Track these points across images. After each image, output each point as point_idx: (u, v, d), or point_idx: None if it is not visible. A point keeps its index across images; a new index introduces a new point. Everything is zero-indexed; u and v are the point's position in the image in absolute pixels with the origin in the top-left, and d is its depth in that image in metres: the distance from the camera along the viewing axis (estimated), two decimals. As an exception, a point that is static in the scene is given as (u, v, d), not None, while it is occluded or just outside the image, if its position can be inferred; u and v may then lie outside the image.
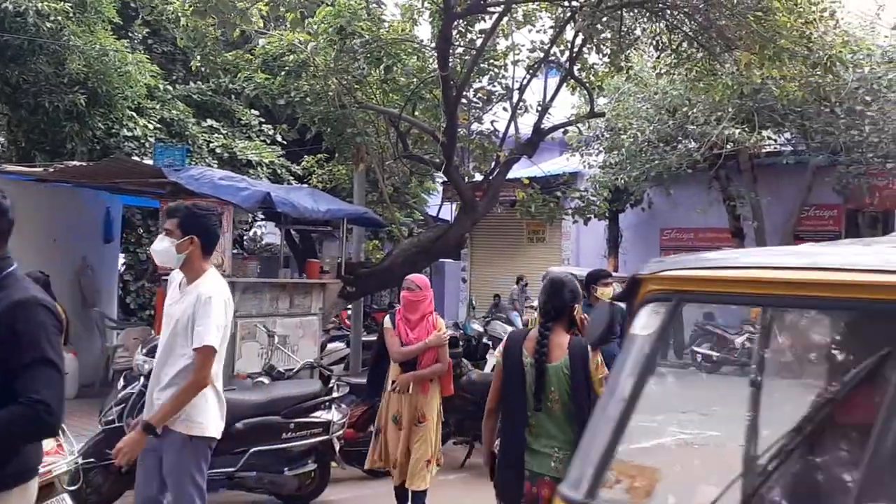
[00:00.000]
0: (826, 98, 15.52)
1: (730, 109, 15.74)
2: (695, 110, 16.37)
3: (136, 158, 11.73)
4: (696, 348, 17.02)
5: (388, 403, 6.51)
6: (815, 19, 10.04)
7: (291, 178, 14.94)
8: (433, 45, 11.59)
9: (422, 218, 15.08)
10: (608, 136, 18.30)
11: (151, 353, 5.89)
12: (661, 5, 10.60)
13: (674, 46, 11.62)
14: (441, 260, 22.06)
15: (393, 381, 6.47)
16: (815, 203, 18.39)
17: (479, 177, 13.03)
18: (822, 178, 17.27)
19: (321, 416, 7.09)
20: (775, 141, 18.09)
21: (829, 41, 13.96)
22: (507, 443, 4.22)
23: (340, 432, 7.25)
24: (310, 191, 11.84)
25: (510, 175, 13.24)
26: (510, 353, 4.35)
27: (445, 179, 13.17)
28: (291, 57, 11.32)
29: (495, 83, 12.85)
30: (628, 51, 12.64)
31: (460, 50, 12.15)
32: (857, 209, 18.55)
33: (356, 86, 11.96)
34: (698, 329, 17.33)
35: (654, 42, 12.23)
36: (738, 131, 15.87)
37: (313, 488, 7.23)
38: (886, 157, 15.45)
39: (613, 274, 17.88)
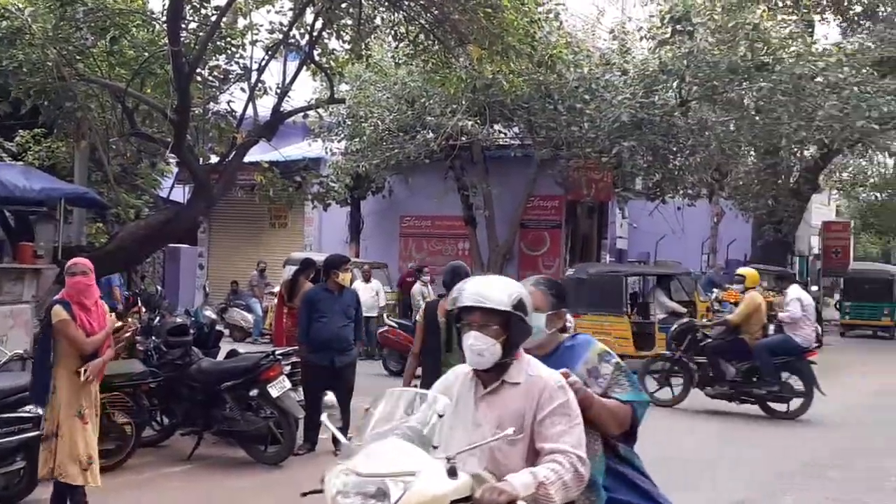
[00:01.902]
0: (550, 95, 16.60)
1: (463, 102, 16.39)
2: (432, 102, 16.88)
3: None
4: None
5: (67, 400, 6.04)
6: (539, 19, 10.66)
7: (4, 154, 13.64)
8: (164, 17, 11.01)
9: (152, 201, 14.35)
10: (350, 123, 18.40)
11: None
12: (399, -5, 10.79)
13: (411, 37, 11.89)
14: (177, 245, 21.17)
15: (80, 372, 6.06)
16: (539, 194, 19.63)
17: (215, 159, 12.58)
18: (546, 171, 18.46)
19: (31, 410, 6.52)
20: (505, 134, 19.10)
21: (553, 41, 14.96)
22: (429, 373, 5.82)
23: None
24: (23, 168, 10.87)
25: (250, 158, 12.95)
26: (429, 315, 6.25)
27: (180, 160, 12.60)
28: (4, 23, 10.32)
29: (232, 62, 12.45)
30: (368, 39, 12.78)
31: (194, 25, 11.63)
32: (576, 200, 20.03)
33: (78, 57, 11.09)
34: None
35: (393, 32, 12.45)
36: (471, 124, 16.56)
37: (21, 488, 6.64)
38: (602, 153, 16.76)
39: (354, 260, 18.14)
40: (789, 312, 10.98)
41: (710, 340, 11.23)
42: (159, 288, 17.16)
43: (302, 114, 13.49)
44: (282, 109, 12.04)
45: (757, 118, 16.89)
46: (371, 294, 16.11)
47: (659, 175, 18.57)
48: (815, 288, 32.20)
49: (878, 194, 39.51)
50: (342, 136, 18.75)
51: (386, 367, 14.36)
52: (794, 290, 11.40)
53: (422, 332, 6.40)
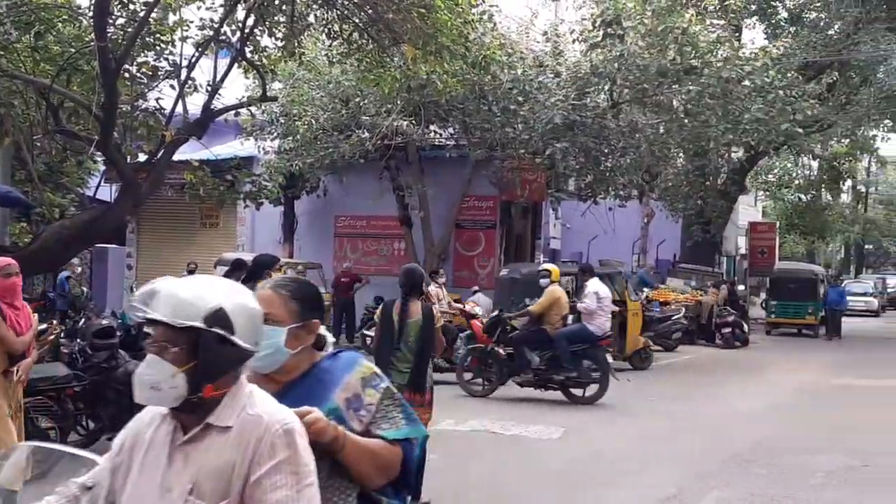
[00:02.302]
0: (484, 96, 16.69)
1: (398, 102, 16.36)
2: (366, 101, 16.81)
3: None
4: (366, 331, 17.52)
5: None
6: (473, 20, 10.70)
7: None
8: (91, 12, 10.74)
9: (78, 199, 14.00)
10: (283, 121, 18.21)
11: None
12: (332, -7, 10.73)
13: (345, 36, 11.84)
14: (104, 245, 20.67)
15: (11, 372, 5.91)
16: (474, 194, 19.71)
17: (143, 157, 12.33)
18: (481, 171, 18.55)
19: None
20: (440, 135, 19.12)
21: (487, 42, 15.05)
22: (382, 367, 5.77)
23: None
24: (-60, 166, 10.48)
25: (180, 157, 12.73)
26: (385, 314, 6.65)
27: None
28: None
29: (161, 59, 12.23)
30: (301, 36, 12.68)
31: (122, 21, 11.39)
32: (510, 200, 20.17)
33: (1, 52, 10.77)
34: (368, 312, 17.85)
35: (327, 30, 12.38)
36: (406, 124, 16.54)
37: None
38: (535, 154, 16.92)
39: (288, 260, 17.95)
40: (586, 304, 11.71)
41: (517, 331, 11.90)
42: (85, 290, 16.74)
43: (234, 112, 13.33)
44: (212, 107, 11.87)
45: (686, 121, 17.27)
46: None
47: (591, 176, 18.83)
48: (741, 287, 33.05)
49: (803, 195, 40.74)
50: (275, 134, 18.54)
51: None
52: (593, 284, 12.08)
53: (378, 329, 6.79)
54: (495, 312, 13.16)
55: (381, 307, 6.90)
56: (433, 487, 7.02)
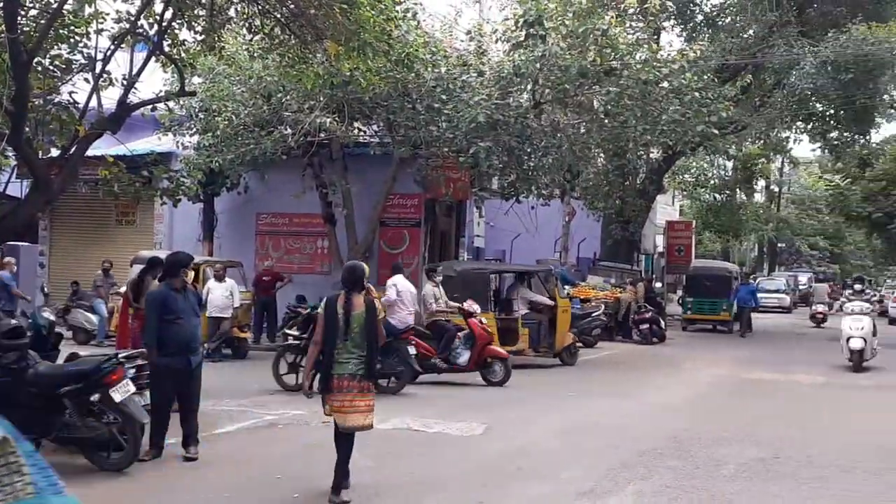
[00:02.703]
0: (408, 94, 16.68)
1: (321, 99, 16.23)
2: (289, 97, 16.63)
3: None
4: (288, 330, 17.34)
5: None
6: (396, 17, 10.68)
7: None
8: (1, 2, 10.36)
9: (-15, 196, 13.47)
10: (203, 116, 17.87)
11: None
12: (253, -13, 10.58)
13: (266, 31, 11.67)
14: (14, 243, 19.98)
15: None
16: (398, 192, 19.68)
17: (56, 152, 11.95)
18: (405, 170, 18.53)
19: None
20: (364, 132, 19.04)
21: (411, 40, 15.05)
22: (325, 358, 6.82)
23: None
24: None
25: (94, 152, 12.40)
26: (329, 307, 6.88)
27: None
28: None
29: (76, 52, 11.87)
30: (221, 30, 12.46)
31: (34, 12, 11.02)
32: (434, 198, 20.21)
33: None
34: (291, 311, 17.68)
35: (248, 24, 12.19)
36: (329, 121, 16.41)
37: None
38: (459, 152, 16.97)
39: (208, 258, 17.63)
40: (385, 297, 12.32)
41: None
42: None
43: (151, 106, 13.02)
44: (128, 101, 11.57)
45: (606, 121, 17.57)
46: (225, 294, 15.73)
47: (514, 175, 18.99)
48: (659, 284, 33.78)
49: (718, 195, 41.89)
50: (194, 130, 18.18)
51: None
52: (394, 279, 12.76)
53: (321, 323, 6.95)
54: (308, 310, 13.39)
55: (324, 301, 7.06)
56: (354, 487, 7.03)
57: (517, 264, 22.12)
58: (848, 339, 16.62)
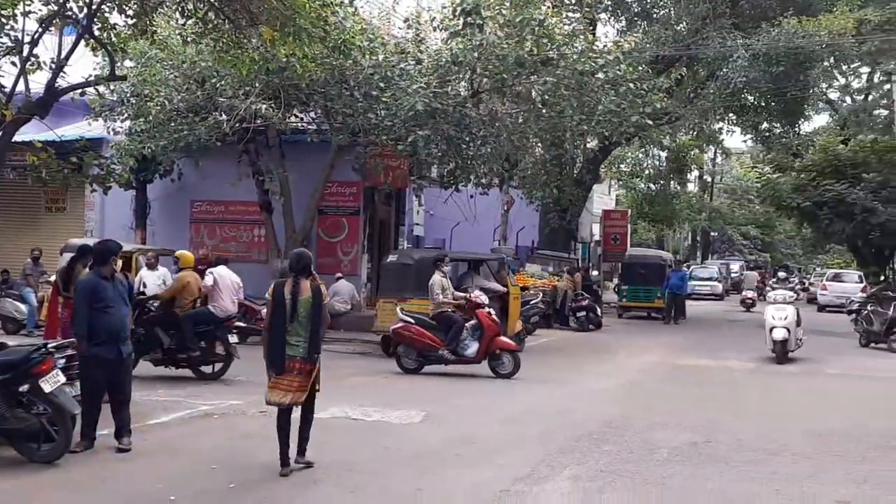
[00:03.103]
0: (346, 81, 16.55)
1: (257, 85, 16.01)
2: (223, 83, 16.36)
3: None
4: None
5: None
6: (332, 3, 10.57)
7: None
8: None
9: None
10: (134, 101, 17.44)
11: None
12: (185, -30, 10.36)
13: (200, 15, 11.46)
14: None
15: None
16: (337, 180, 19.55)
17: (-19, 137, 11.58)
18: (344, 157, 18.40)
19: None
20: (301, 119, 18.83)
21: (348, 27, 14.92)
22: (276, 341, 7.25)
23: None
24: None
25: (22, 137, 12.07)
26: (277, 292, 7.32)
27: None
28: None
29: (2, 34, 11.50)
30: (153, 14, 12.20)
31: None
32: (373, 186, 20.13)
33: None
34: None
35: (180, 8, 11.94)
36: (265, 107, 16.20)
37: None
38: (398, 140, 16.90)
39: (140, 246, 17.27)
40: (203, 284, 12.59)
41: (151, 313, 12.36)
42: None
43: (80, 91, 12.70)
44: (57, 86, 11.28)
45: (543, 111, 17.67)
46: (158, 282, 15.42)
47: (453, 164, 19.00)
48: (595, 272, 34.24)
49: (653, 185, 42.59)
50: (126, 115, 17.76)
51: (401, 365, 13.52)
52: (216, 269, 12.93)
53: (270, 308, 7.36)
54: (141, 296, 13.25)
55: (272, 287, 7.49)
56: (292, 477, 6.99)
57: (473, 252, 22.21)
58: (771, 330, 16.10)
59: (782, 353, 15.99)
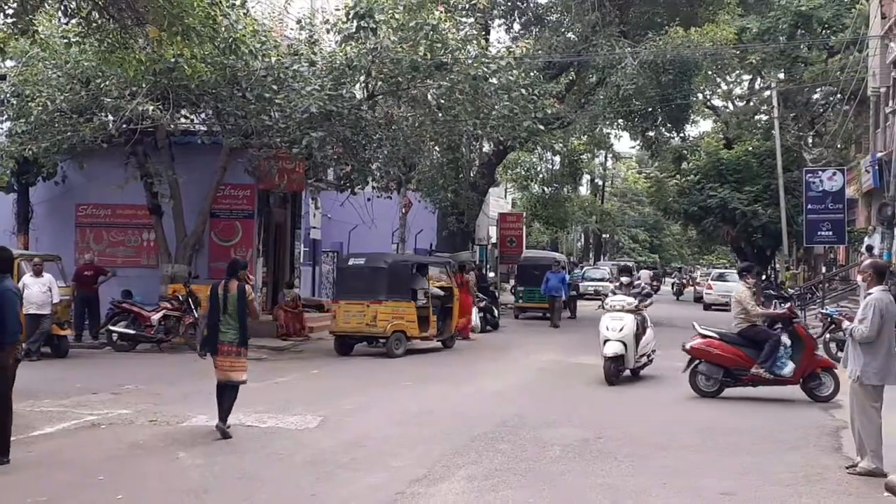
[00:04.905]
0: (237, 82, 16.30)
1: (144, 85, 15.59)
2: (108, 83, 15.88)
3: None
4: (112, 327, 16.65)
5: None
6: (221, 2, 10.39)
7: None
8: None
9: None
10: (15, 102, 16.77)
11: None
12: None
13: (83, 14, 11.08)
14: None
15: None
16: (230, 183, 19.20)
17: None
18: (236, 159, 18.10)
19: None
20: (191, 120, 18.43)
21: (239, 27, 14.70)
22: (211, 328, 9.04)
23: None
24: None
25: None
26: (213, 291, 9.12)
27: None
28: None
29: None
30: (34, 13, 11.72)
31: None
32: (268, 189, 19.86)
33: None
34: (114, 307, 16.96)
35: (63, 7, 11.53)
36: (152, 108, 15.79)
37: None
38: (293, 143, 16.75)
39: (23, 252, 16.56)
40: None
41: None
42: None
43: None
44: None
45: (439, 115, 17.83)
46: (43, 289, 14.84)
47: (349, 166, 18.94)
48: (492, 274, 34.65)
49: (546, 188, 43.43)
50: (6, 116, 17.03)
51: (696, 387, 12.03)
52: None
53: (209, 303, 9.13)
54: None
55: (210, 287, 9.32)
56: (179, 486, 6.84)
57: (437, 255, 24.74)
58: (604, 343, 13.09)
59: (612, 372, 12.99)
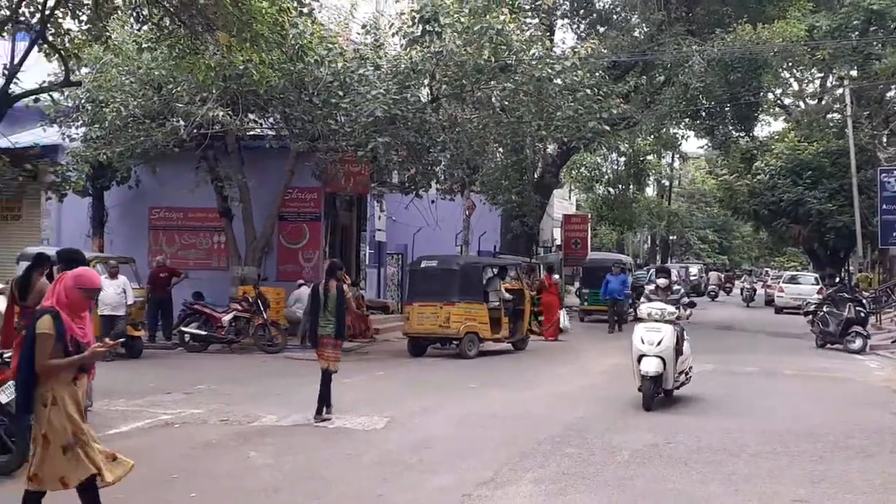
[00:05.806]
0: (304, 88, 16.49)
1: (214, 91, 15.88)
2: (180, 88, 16.21)
3: None
4: (184, 328, 16.99)
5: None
6: (288, 8, 10.54)
7: None
8: None
9: None
10: (90, 108, 17.23)
11: None
12: (142, -24, 10.27)
13: (155, 20, 11.35)
14: None
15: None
16: (297, 186, 19.47)
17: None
18: (304, 163, 18.33)
19: None
20: (260, 125, 18.72)
21: (307, 33, 14.88)
22: (313, 323, 10.18)
23: None
24: None
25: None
26: (315, 290, 10.28)
27: None
28: None
29: (-48, 40, 11.34)
30: (108, 20, 12.06)
31: None
32: (334, 192, 20.06)
33: None
34: (186, 308, 17.30)
35: (135, 14, 11.83)
36: (222, 113, 16.09)
37: None
38: (358, 146, 16.90)
39: (98, 254, 17.02)
40: None
41: None
42: None
43: (34, 98, 12.51)
44: (10, 92, 11.11)
45: (503, 117, 17.77)
46: (117, 291, 15.23)
47: (413, 169, 19.02)
48: (556, 276, 34.43)
49: (612, 189, 42.98)
50: (81, 121, 17.53)
51: None
52: None
53: (311, 300, 10.35)
54: None
55: (312, 287, 10.58)
56: (250, 486, 6.93)
57: (504, 258, 24.71)
58: (640, 359, 11.05)
59: (650, 394, 11.00)
